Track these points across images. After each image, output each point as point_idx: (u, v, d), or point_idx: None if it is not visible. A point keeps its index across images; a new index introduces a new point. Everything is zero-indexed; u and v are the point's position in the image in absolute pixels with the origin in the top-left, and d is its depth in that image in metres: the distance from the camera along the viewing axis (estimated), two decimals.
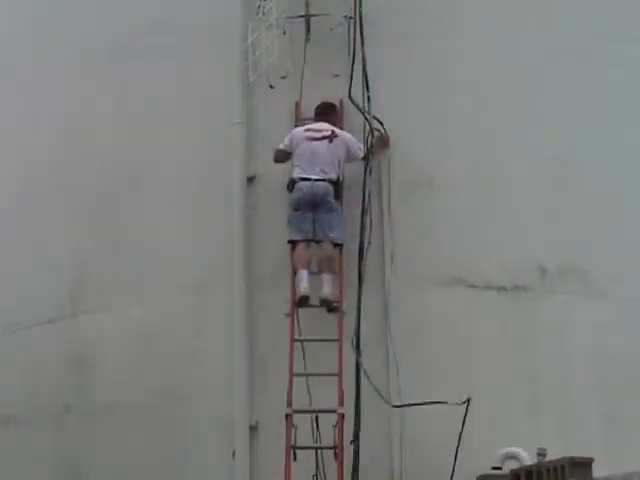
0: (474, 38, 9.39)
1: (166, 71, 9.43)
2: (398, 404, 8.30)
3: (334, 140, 8.62)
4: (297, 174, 8.55)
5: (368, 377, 8.09)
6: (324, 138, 8.60)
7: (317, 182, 8.51)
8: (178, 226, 9.20)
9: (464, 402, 7.88)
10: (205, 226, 9.10)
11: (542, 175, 9.28)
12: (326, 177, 8.54)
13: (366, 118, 8.64)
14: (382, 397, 8.12)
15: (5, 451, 9.72)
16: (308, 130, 8.68)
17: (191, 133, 9.24)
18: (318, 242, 8.58)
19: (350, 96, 8.65)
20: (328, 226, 8.54)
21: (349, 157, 8.71)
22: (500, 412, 8.60)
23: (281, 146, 8.72)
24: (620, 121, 9.66)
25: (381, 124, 8.80)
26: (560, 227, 9.24)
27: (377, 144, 8.78)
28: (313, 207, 8.56)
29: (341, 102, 8.79)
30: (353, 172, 8.78)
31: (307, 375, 8.24)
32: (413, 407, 8.24)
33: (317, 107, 8.83)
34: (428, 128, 9.09)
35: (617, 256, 9.34)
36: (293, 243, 8.57)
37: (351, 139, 8.72)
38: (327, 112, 8.82)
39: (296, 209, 8.54)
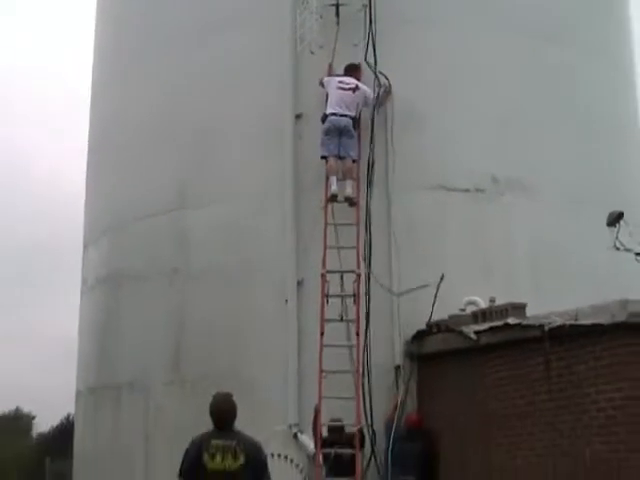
0: (455, 23, 11.15)
1: (242, 45, 11.26)
2: (398, 292, 9.76)
3: (356, 92, 10.42)
4: (328, 110, 10.35)
5: (372, 273, 9.71)
6: (349, 89, 10.39)
7: (342, 117, 10.27)
8: (249, 151, 10.93)
9: (440, 280, 9.60)
10: (267, 151, 10.80)
11: (496, 110, 10.94)
12: (348, 114, 10.30)
13: (375, 74, 10.56)
14: (382, 285, 9.79)
15: (129, 301, 11.64)
16: (340, 82, 10.38)
17: (257, 86, 11.01)
18: (342, 158, 10.23)
19: (366, 59, 10.59)
20: (348, 147, 10.29)
21: (365, 103, 10.54)
22: (464, 275, 10.26)
23: (322, 79, 10.42)
24: (558, 64, 11.31)
25: (385, 78, 10.65)
26: (508, 147, 10.86)
27: (383, 93, 10.53)
28: (338, 134, 10.19)
29: (359, 63, 10.65)
30: (367, 113, 10.59)
31: (336, 248, 9.95)
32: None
33: (346, 66, 10.60)
34: (419, 81, 10.86)
35: (550, 169, 11.01)
36: (325, 158, 10.21)
37: (367, 91, 10.46)
38: (352, 70, 10.67)
39: (326, 134, 10.25)
